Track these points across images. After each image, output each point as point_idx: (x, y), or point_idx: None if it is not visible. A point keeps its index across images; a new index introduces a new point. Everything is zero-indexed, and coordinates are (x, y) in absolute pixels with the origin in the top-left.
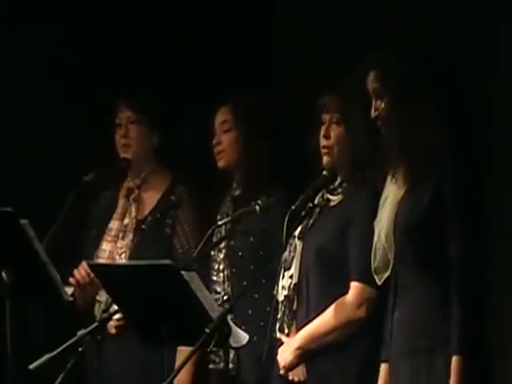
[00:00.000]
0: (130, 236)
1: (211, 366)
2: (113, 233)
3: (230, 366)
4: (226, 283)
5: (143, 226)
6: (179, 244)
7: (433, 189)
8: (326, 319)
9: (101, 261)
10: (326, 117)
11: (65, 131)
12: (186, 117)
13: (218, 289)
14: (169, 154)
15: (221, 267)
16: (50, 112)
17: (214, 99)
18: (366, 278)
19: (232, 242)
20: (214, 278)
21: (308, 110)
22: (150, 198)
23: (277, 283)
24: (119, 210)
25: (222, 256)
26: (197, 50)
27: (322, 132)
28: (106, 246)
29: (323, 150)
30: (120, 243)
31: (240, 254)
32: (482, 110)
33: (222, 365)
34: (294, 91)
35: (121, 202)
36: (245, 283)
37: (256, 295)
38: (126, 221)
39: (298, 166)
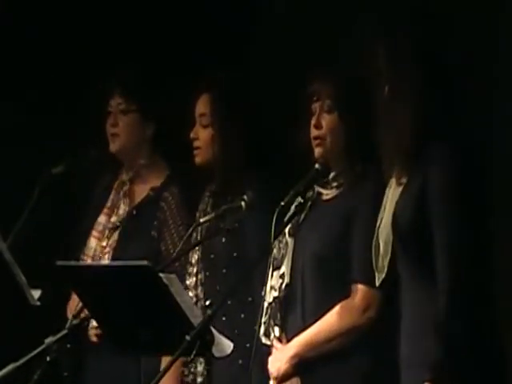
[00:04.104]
0: (116, 235)
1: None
2: (100, 228)
3: (199, 380)
4: (200, 288)
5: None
6: (165, 248)
7: (419, 184)
8: (327, 324)
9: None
10: (315, 106)
11: (26, 120)
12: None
13: (190, 294)
14: (165, 147)
15: (194, 270)
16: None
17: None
18: (372, 280)
19: (206, 243)
20: (187, 282)
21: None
22: (142, 194)
23: (264, 284)
24: (109, 203)
25: (196, 258)
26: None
27: (313, 122)
28: (92, 244)
29: (315, 142)
30: (105, 242)
31: (212, 256)
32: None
33: (190, 377)
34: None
35: (112, 195)
36: (218, 288)
37: (229, 301)
38: (114, 218)
39: (282, 155)
